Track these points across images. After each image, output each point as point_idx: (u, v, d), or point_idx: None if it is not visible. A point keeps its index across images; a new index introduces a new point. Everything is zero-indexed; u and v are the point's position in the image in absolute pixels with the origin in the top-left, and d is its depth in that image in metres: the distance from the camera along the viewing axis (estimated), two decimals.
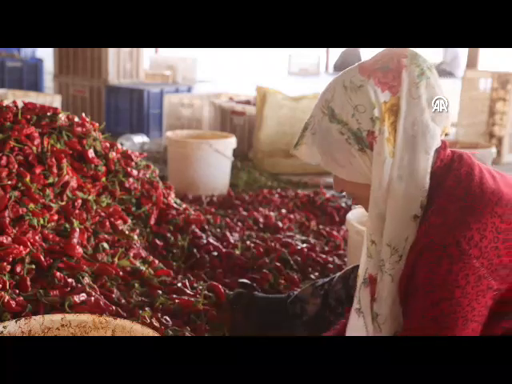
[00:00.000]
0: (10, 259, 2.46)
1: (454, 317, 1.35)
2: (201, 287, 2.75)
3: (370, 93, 1.41)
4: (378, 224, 1.47)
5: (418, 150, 1.42)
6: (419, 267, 1.39)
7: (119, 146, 3.41)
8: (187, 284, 2.80)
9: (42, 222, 2.72)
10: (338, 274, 2.52)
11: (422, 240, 1.40)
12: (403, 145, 1.42)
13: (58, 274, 2.49)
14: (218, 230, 3.58)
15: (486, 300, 1.36)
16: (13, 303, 2.25)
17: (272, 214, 4.17)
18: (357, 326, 1.57)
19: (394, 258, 1.45)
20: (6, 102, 3.18)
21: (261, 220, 3.99)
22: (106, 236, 2.92)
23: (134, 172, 3.32)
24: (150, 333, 1.58)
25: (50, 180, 2.89)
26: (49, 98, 6.29)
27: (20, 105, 3.15)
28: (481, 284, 1.34)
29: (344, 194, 1.58)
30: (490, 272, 1.35)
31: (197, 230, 3.36)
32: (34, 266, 2.52)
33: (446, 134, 1.49)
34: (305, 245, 3.49)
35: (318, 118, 1.48)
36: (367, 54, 17.04)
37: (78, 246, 2.68)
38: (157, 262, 2.94)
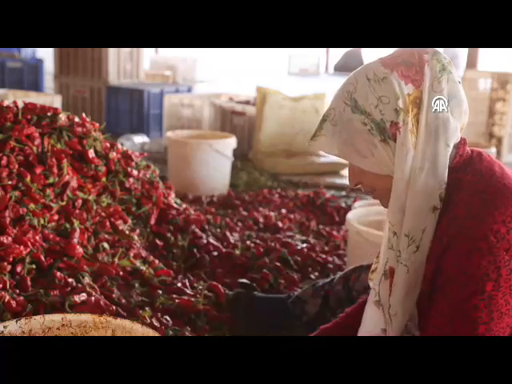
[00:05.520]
0: (11, 259, 2.46)
1: (488, 310, 1.32)
2: (201, 287, 2.75)
3: (394, 84, 1.42)
4: (400, 215, 1.47)
5: (439, 142, 1.44)
6: (447, 261, 1.37)
7: (119, 146, 3.41)
8: (187, 284, 2.80)
9: (42, 222, 2.73)
10: (339, 274, 2.52)
11: (448, 233, 1.39)
12: (425, 137, 1.43)
13: (58, 273, 2.49)
14: (218, 230, 3.58)
15: None
16: (13, 303, 2.25)
17: (272, 213, 4.17)
18: (376, 317, 1.56)
19: (411, 248, 1.45)
20: (6, 103, 3.19)
21: (261, 220, 4.00)
22: (106, 236, 2.93)
23: (134, 172, 3.33)
24: (150, 333, 1.58)
25: (51, 180, 2.89)
26: (49, 98, 6.28)
27: (20, 105, 3.15)
28: None
29: (359, 187, 1.55)
30: None
31: (197, 230, 3.36)
32: (34, 266, 2.52)
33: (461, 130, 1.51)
34: (305, 245, 3.50)
35: (339, 110, 1.48)
36: (369, 54, 17.05)
37: (78, 246, 2.68)
38: (157, 261, 2.94)
